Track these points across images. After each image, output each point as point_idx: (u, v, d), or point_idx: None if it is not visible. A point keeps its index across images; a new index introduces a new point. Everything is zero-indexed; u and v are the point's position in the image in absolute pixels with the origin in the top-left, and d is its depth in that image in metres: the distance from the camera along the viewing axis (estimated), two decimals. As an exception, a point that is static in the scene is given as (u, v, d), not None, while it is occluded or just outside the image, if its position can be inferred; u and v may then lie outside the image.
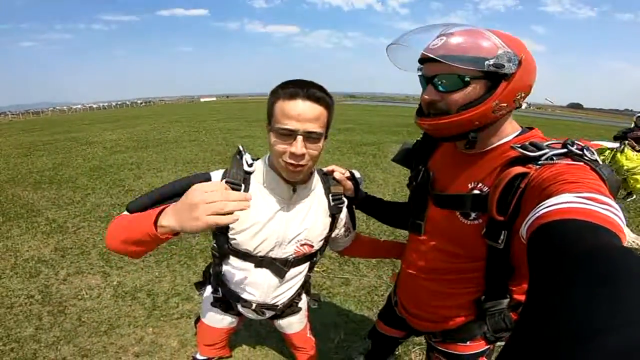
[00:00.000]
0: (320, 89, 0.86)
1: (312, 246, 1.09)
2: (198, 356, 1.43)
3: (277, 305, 1.17)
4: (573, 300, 0.32)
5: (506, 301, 0.95)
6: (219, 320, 1.28)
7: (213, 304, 1.22)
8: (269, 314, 1.21)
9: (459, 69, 0.74)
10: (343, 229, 1.21)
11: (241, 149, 1.02)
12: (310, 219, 1.06)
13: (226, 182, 0.93)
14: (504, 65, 0.73)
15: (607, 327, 0.27)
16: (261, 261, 1.05)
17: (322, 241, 1.12)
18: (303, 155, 0.86)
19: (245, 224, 0.99)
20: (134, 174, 6.18)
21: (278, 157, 0.89)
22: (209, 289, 1.25)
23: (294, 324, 1.37)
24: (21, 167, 6.95)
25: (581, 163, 0.66)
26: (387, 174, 6.15)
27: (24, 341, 2.11)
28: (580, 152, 0.68)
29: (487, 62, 0.72)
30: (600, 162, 0.67)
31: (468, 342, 1.04)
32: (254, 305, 1.14)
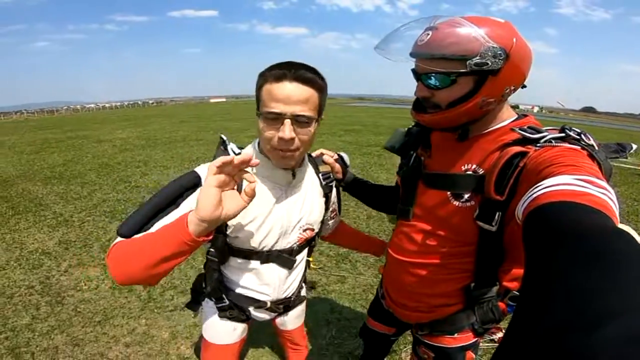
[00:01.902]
0: (310, 69, 0.82)
1: (313, 230, 1.05)
2: None
3: (290, 298, 1.12)
4: (572, 284, 0.31)
5: (495, 289, 0.94)
6: (230, 334, 1.14)
7: (221, 316, 1.09)
8: (282, 308, 1.16)
9: (443, 70, 0.75)
10: (330, 211, 1.18)
11: (224, 138, 0.95)
12: (308, 202, 1.02)
13: None
14: (488, 63, 0.72)
15: (606, 314, 0.26)
16: (268, 256, 0.99)
17: (321, 223, 1.09)
18: (292, 140, 0.80)
19: (246, 219, 0.91)
20: (140, 171, 6.29)
21: (267, 143, 0.84)
22: (209, 304, 1.12)
23: (300, 317, 1.31)
24: (33, 163, 7.14)
25: (578, 147, 0.66)
26: (390, 174, 6.12)
27: (19, 330, 2.14)
28: (578, 137, 0.69)
29: (469, 62, 0.72)
30: (597, 147, 0.68)
31: (456, 334, 1.02)
32: (268, 304, 1.07)
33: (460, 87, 0.77)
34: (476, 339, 1.04)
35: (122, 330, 2.15)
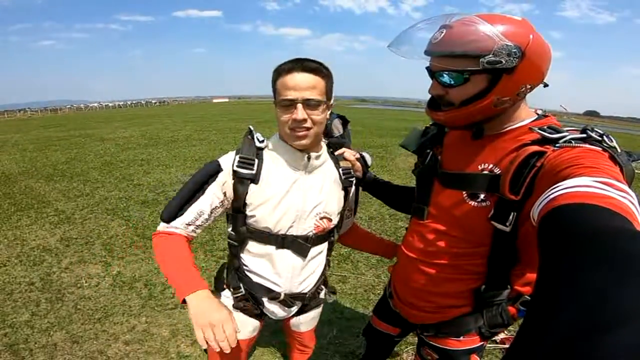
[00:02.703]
0: (316, 62, 0.93)
1: (330, 220, 1.08)
2: None
3: (305, 294, 1.13)
4: (586, 287, 0.30)
5: (506, 292, 0.92)
6: (242, 330, 1.11)
7: (235, 306, 1.13)
8: (296, 305, 1.16)
9: (457, 67, 0.75)
10: (347, 209, 1.21)
11: (252, 129, 1.06)
12: (326, 190, 1.07)
13: (239, 157, 0.99)
14: (502, 61, 0.71)
15: (619, 318, 0.25)
16: (283, 240, 1.03)
17: (339, 215, 1.12)
18: (305, 120, 0.93)
19: (263, 197, 0.99)
20: (143, 169, 6.30)
21: (284, 126, 0.96)
22: (226, 294, 1.16)
23: (314, 320, 1.32)
24: (36, 160, 7.17)
25: (600, 149, 0.65)
26: (393, 175, 6.10)
27: (19, 326, 2.14)
28: (600, 139, 0.68)
29: (482, 60, 0.72)
30: (619, 150, 0.66)
31: (461, 337, 1.01)
32: (282, 296, 1.09)
33: (474, 85, 0.77)
34: (482, 342, 1.02)
35: (122, 327, 2.14)
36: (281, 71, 0.93)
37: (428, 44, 0.79)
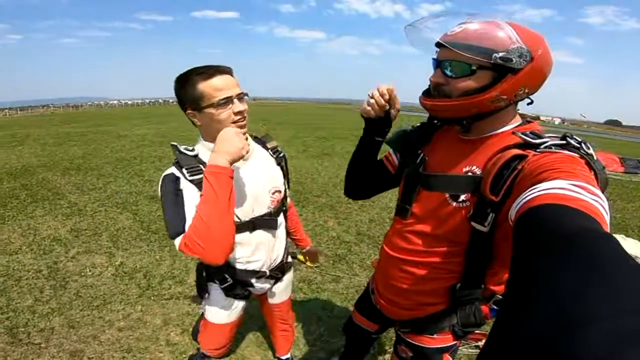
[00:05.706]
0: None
1: (280, 191, 1.24)
2: (207, 353, 1.42)
3: (282, 261, 1.31)
4: (556, 286, 0.31)
5: (480, 291, 0.94)
6: (227, 316, 1.29)
7: (227, 295, 1.24)
8: (279, 274, 1.33)
9: (468, 57, 0.76)
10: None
11: (175, 144, 1.10)
12: (267, 170, 1.21)
13: (187, 169, 1.02)
14: (513, 60, 0.73)
15: (590, 317, 0.26)
16: (253, 224, 1.16)
17: (284, 185, 1.28)
18: (245, 110, 1.05)
19: None
20: (155, 166, 6.44)
21: (226, 123, 1.02)
22: (214, 286, 1.25)
23: (287, 289, 1.48)
24: (54, 154, 7.42)
25: (577, 155, 0.67)
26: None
27: (21, 311, 2.24)
28: (578, 146, 0.70)
29: (495, 55, 0.73)
30: (595, 157, 0.68)
31: (435, 335, 1.02)
32: (267, 273, 1.25)
33: (478, 80, 0.78)
34: (455, 342, 1.04)
35: (117, 315, 2.22)
36: (199, 78, 0.98)
37: (443, 36, 0.80)
